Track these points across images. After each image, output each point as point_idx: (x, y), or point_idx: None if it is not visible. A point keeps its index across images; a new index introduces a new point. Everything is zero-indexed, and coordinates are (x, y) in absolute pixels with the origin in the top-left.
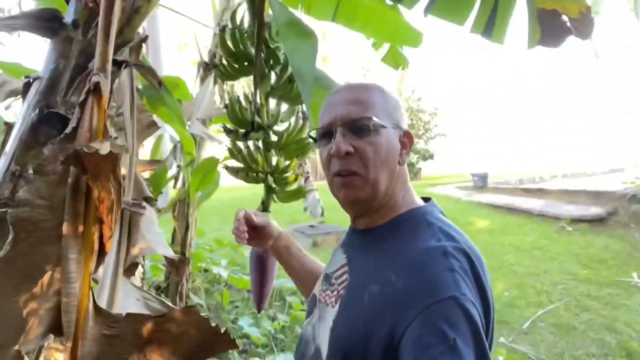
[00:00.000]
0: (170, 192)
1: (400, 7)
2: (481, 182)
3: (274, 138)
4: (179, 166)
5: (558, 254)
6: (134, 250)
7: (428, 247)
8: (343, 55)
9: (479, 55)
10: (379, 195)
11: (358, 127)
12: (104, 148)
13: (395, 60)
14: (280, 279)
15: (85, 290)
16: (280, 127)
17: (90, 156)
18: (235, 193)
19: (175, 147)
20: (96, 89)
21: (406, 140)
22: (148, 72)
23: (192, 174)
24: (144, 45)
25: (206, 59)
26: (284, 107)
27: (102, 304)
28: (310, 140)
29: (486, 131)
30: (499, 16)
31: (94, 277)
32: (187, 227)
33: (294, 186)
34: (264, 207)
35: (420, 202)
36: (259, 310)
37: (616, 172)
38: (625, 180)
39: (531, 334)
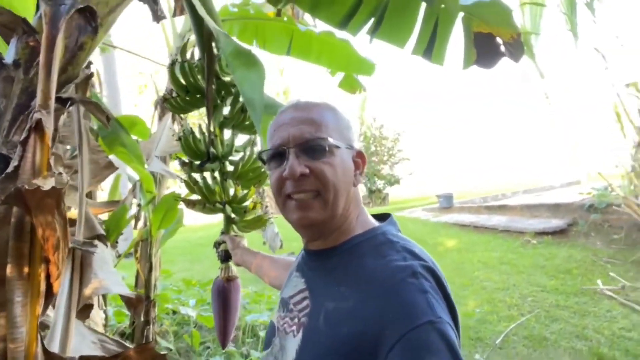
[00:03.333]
0: (134, 232)
1: (353, 38)
2: (447, 203)
3: (230, 168)
4: (139, 205)
5: (525, 267)
6: (87, 291)
7: (396, 267)
8: (303, 86)
9: (431, 75)
10: (335, 218)
11: (312, 148)
12: (48, 184)
13: (350, 85)
14: (252, 314)
15: (32, 334)
16: (236, 156)
17: (32, 193)
18: (204, 232)
19: (134, 186)
20: (38, 126)
21: (359, 160)
22: (95, 108)
23: (153, 212)
24: (100, 86)
25: (164, 92)
26: (242, 137)
27: (55, 348)
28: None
29: (447, 151)
30: (438, 39)
31: (46, 321)
32: (150, 268)
33: (254, 215)
34: None
35: (375, 222)
36: (224, 346)
37: (572, 184)
38: (582, 192)
39: (505, 348)
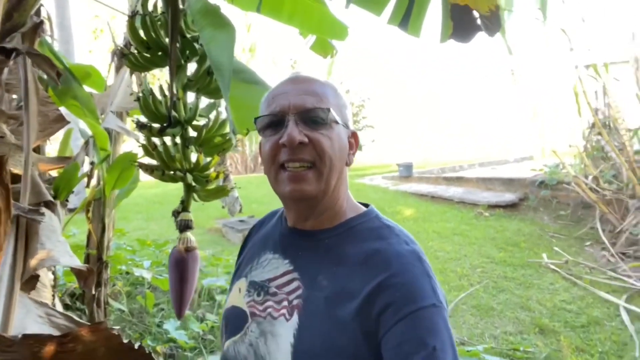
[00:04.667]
0: (86, 191)
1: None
2: (406, 172)
3: (193, 134)
4: (92, 163)
5: (477, 238)
6: (33, 262)
7: (401, 250)
8: (270, 45)
9: (402, 45)
10: (327, 194)
11: (313, 118)
12: None
13: (323, 48)
14: (208, 278)
15: None
16: (200, 122)
17: None
18: (159, 189)
19: (87, 142)
20: None
21: (353, 141)
22: (43, 61)
23: (107, 171)
24: (52, 30)
25: (121, 46)
26: (204, 101)
27: None
28: (232, 135)
29: (410, 121)
30: (415, 9)
31: None
32: (103, 229)
33: (216, 184)
34: (184, 206)
35: (362, 206)
36: (180, 317)
37: (526, 159)
38: (534, 168)
39: (454, 316)
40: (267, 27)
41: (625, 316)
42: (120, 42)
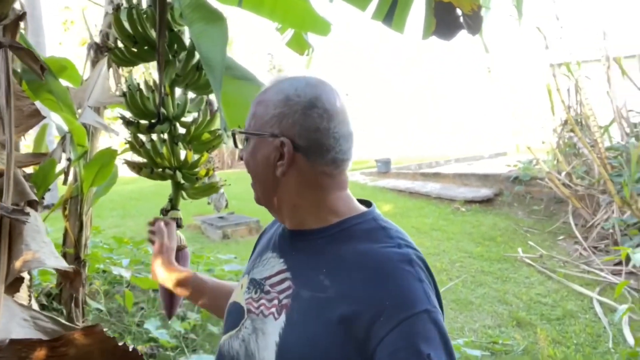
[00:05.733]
0: (60, 187)
1: None
2: (384, 168)
3: (181, 130)
4: (69, 159)
5: (454, 233)
6: (17, 264)
7: (393, 253)
8: (247, 39)
9: (386, 43)
10: (275, 202)
11: (244, 136)
12: None
13: (299, 45)
14: None
15: None
16: (187, 118)
17: None
18: (136, 185)
19: (64, 138)
20: None
21: (285, 150)
22: (27, 55)
23: (85, 168)
24: (25, 22)
25: (97, 39)
26: (191, 96)
27: None
28: (220, 132)
29: (389, 117)
30: (399, 5)
31: None
32: (80, 227)
33: (205, 181)
34: (172, 205)
35: (363, 207)
36: (170, 317)
37: (500, 155)
38: (508, 164)
39: None
40: (245, 21)
41: (598, 308)
42: (95, 35)
